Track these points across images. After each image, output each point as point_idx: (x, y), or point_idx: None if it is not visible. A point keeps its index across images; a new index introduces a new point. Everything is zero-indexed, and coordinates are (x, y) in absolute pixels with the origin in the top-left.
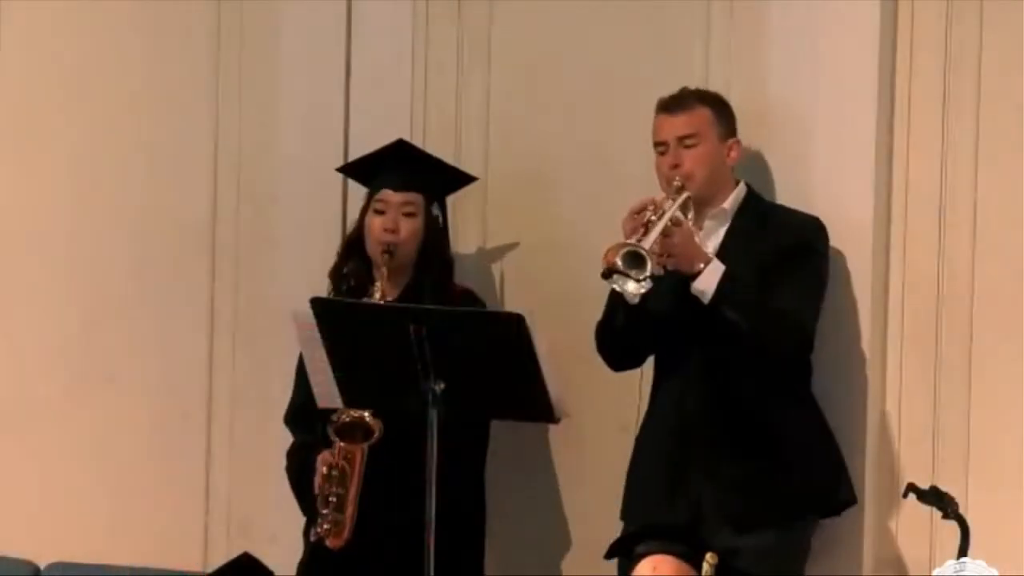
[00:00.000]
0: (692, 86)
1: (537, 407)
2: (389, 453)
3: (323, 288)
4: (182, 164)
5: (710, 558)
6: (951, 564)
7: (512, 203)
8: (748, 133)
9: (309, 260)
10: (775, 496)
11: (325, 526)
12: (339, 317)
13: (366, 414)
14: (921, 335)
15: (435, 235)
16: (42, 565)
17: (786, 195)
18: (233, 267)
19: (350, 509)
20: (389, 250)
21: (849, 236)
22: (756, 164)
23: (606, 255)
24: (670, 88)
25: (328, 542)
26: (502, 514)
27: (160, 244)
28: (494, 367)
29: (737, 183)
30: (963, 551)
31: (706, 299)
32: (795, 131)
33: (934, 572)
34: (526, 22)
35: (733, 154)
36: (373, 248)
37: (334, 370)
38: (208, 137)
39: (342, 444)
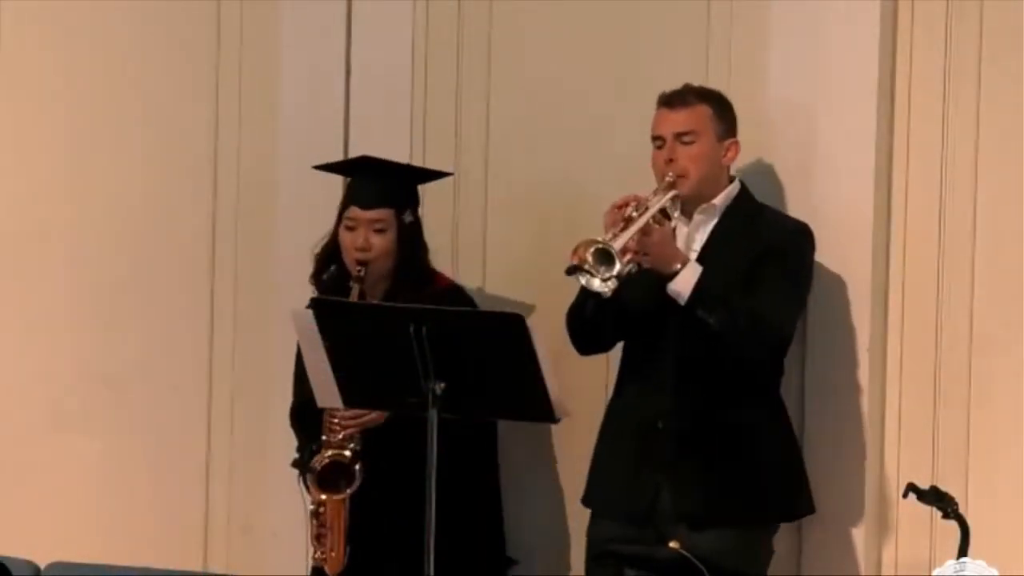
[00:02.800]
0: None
1: (537, 407)
2: (393, 457)
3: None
4: (182, 164)
5: (673, 544)
6: (951, 564)
7: (512, 202)
8: (748, 133)
9: (309, 260)
10: (734, 499)
11: (319, 555)
12: (339, 317)
13: (346, 452)
14: (921, 335)
15: (409, 243)
16: (42, 565)
17: (786, 195)
18: (233, 267)
19: (340, 543)
20: (360, 274)
21: (849, 236)
22: (756, 165)
23: (576, 250)
24: (670, 88)
25: (327, 569)
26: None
27: (160, 244)
28: (494, 367)
29: (732, 180)
30: (963, 551)
31: (682, 300)
32: (795, 132)
33: (934, 572)
34: (526, 22)
35: (730, 154)
36: (348, 262)
37: (334, 370)
38: (208, 137)
39: (323, 497)
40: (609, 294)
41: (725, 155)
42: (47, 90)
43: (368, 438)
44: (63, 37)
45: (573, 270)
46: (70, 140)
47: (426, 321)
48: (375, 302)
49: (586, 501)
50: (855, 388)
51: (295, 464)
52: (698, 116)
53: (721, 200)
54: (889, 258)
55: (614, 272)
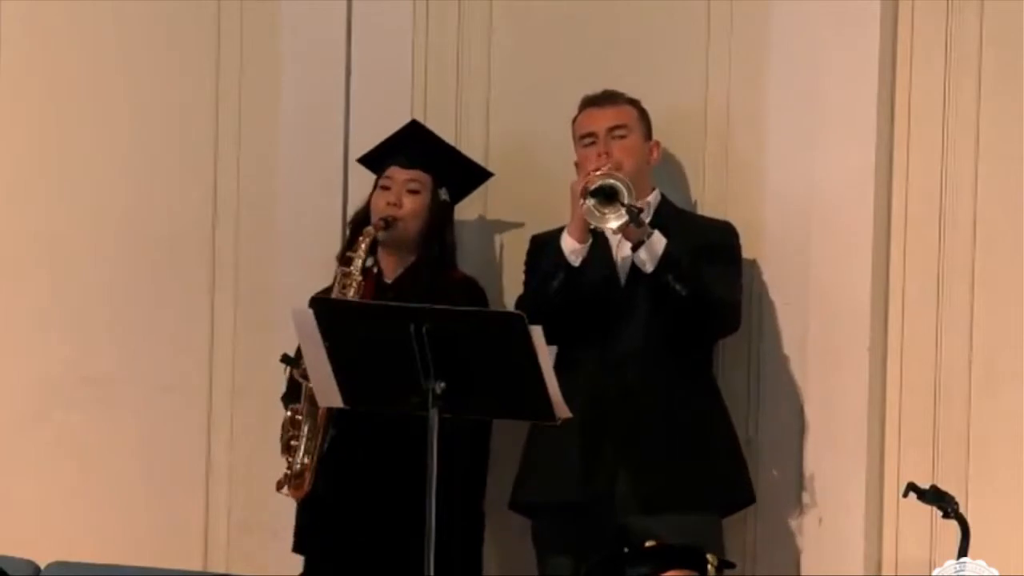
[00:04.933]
0: (692, 88)
1: (537, 407)
2: (388, 455)
3: (323, 287)
4: (182, 165)
5: (711, 559)
6: (951, 564)
7: (512, 201)
8: (747, 134)
9: (309, 260)
10: (685, 483)
11: (286, 472)
12: (339, 316)
13: None
14: (921, 335)
15: (439, 217)
16: (42, 565)
17: (785, 195)
18: (233, 267)
19: (311, 459)
20: (387, 220)
21: (849, 236)
22: (756, 165)
23: (586, 182)
24: (670, 90)
25: (289, 493)
26: (501, 513)
27: (160, 244)
28: (494, 367)
29: (653, 188)
30: (963, 551)
31: (648, 268)
32: (794, 132)
33: (934, 572)
34: (526, 23)
35: (655, 154)
36: (374, 222)
37: (334, 370)
38: (208, 137)
39: (311, 384)
40: (579, 260)
41: (651, 154)
42: (46, 92)
43: (360, 429)
44: (62, 38)
45: (597, 192)
46: (70, 141)
47: (426, 320)
48: (375, 302)
49: (522, 505)
50: (855, 388)
51: (283, 358)
52: (627, 113)
53: (652, 199)
54: (889, 258)
55: (625, 202)
